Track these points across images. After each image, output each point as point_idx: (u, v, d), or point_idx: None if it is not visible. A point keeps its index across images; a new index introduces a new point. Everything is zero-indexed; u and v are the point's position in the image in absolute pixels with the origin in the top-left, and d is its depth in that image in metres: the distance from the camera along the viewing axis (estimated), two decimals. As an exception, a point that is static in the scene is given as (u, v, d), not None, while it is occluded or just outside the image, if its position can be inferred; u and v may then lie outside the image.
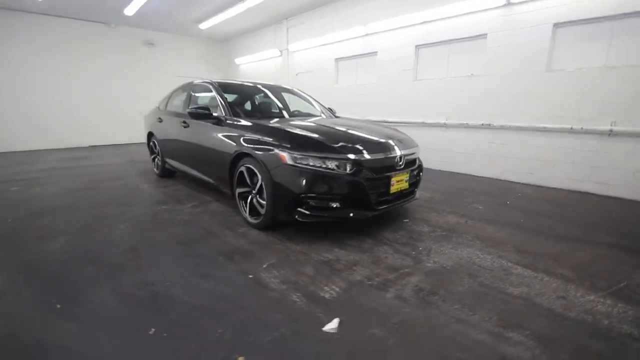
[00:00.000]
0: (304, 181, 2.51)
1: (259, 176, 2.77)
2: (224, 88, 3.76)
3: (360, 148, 2.66)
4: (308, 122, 3.34)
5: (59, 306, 1.84)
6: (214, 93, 3.73)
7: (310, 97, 4.62)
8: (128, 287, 2.03)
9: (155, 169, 5.21)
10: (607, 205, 3.85)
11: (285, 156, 2.56)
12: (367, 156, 2.62)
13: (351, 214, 2.60)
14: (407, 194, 3.04)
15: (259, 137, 2.86)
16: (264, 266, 2.31)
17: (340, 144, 2.65)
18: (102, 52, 8.96)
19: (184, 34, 10.11)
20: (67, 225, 3.05)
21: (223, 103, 3.52)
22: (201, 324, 1.69)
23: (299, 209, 2.58)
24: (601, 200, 4.05)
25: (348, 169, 2.55)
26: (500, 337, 1.64)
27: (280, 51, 8.92)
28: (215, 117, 3.41)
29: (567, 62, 4.36)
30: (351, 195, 2.56)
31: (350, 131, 3.02)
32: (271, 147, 2.68)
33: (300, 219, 2.59)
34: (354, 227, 2.99)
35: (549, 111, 4.55)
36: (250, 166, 2.85)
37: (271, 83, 4.55)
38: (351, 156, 2.57)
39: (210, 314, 1.78)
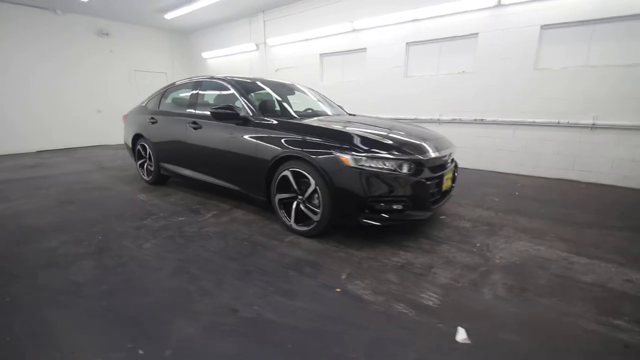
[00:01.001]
0: (371, 184, 2.40)
1: (312, 181, 2.59)
2: (242, 86, 3.45)
3: (420, 147, 2.63)
4: (345, 120, 3.19)
5: (141, 352, 1.53)
6: (232, 91, 3.40)
7: (319, 93, 4.47)
8: (209, 318, 1.76)
9: (144, 176, 4.64)
10: (597, 191, 4.31)
11: (348, 158, 2.42)
12: (428, 155, 2.59)
13: (414, 215, 2.56)
14: (448, 191, 3.08)
15: (306, 138, 2.68)
16: (343, 277, 2.17)
17: (401, 143, 2.59)
18: (46, 42, 7.72)
19: (143, 24, 9.14)
20: (76, 250, 2.57)
21: (248, 102, 3.22)
22: (327, 351, 1.52)
23: (363, 213, 2.46)
24: (587, 186, 4.52)
25: (410, 169, 2.50)
26: (609, 326, 1.72)
27: (257, 45, 8.51)
28: (242, 118, 3.11)
29: (553, 62, 4.77)
30: (414, 195, 2.51)
31: (395, 129, 2.96)
32: (328, 149, 2.51)
33: (366, 224, 2.48)
34: (398, 228, 2.95)
35: (537, 107, 4.95)
36: (299, 170, 2.65)
37: (275, 80, 4.28)
38: (415, 156, 2.51)
39: (328, 338, 1.61)
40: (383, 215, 2.49)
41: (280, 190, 2.87)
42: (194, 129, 3.59)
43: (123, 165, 6.09)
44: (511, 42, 5.00)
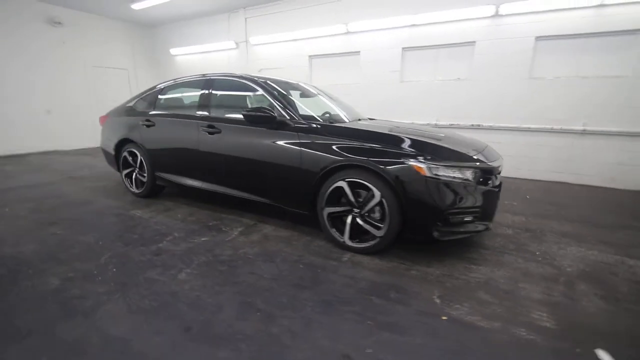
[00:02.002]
0: (448, 194, 2.21)
1: (376, 192, 2.33)
2: (270, 85, 3.06)
3: (487, 155, 2.51)
4: (389, 126, 2.97)
5: None
6: (260, 91, 3.00)
7: (329, 95, 4.20)
8: (321, 369, 1.42)
9: (131, 188, 3.96)
10: (594, 192, 4.61)
11: (423, 167, 2.21)
12: (496, 163, 2.48)
13: (480, 226, 2.42)
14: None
15: (364, 145, 2.41)
16: (437, 301, 1.94)
17: (471, 151, 2.44)
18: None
19: (102, 13, 8.07)
20: (91, 288, 2.01)
21: (283, 103, 2.86)
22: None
23: (437, 226, 2.27)
24: (581, 188, 4.84)
25: (483, 178, 2.37)
26: None
27: (237, 43, 7.97)
28: (279, 122, 2.74)
29: (546, 71, 5.06)
30: (484, 205, 2.38)
31: (448, 136, 2.81)
32: (398, 157, 2.28)
33: (440, 238, 2.29)
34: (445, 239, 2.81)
35: (532, 114, 5.21)
36: (360, 180, 2.38)
37: (284, 79, 3.88)
38: (488, 164, 2.38)
39: (476, 382, 1.38)
40: (456, 227, 2.32)
41: (330, 203, 2.57)
42: (210, 133, 3.11)
43: (94, 175, 5.22)
44: (507, 51, 5.21)
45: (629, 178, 4.71)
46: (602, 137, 4.80)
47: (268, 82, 3.10)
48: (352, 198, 2.46)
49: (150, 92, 3.89)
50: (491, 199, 2.42)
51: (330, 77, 7.07)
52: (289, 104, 2.86)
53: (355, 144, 2.45)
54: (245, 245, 2.66)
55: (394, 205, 2.30)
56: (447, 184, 2.22)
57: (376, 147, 2.38)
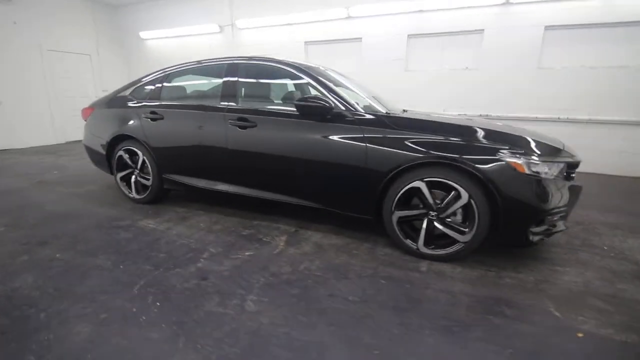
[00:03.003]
0: (547, 193, 2.00)
1: (463, 193, 2.05)
2: (314, 71, 2.64)
3: (570, 150, 2.33)
4: (445, 116, 2.70)
5: None
6: (306, 79, 2.57)
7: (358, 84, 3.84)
8: None
9: (130, 193, 3.34)
10: (603, 179, 4.74)
11: (522, 164, 1.96)
12: (578, 157, 2.31)
13: (565, 226, 2.25)
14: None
15: (449, 139, 2.12)
16: (557, 314, 1.72)
17: (560, 145, 2.24)
18: None
19: (56, -13, 6.91)
20: (145, 334, 1.54)
21: (335, 91, 2.46)
22: None
23: (534, 229, 2.05)
24: (588, 176, 4.95)
25: (573, 174, 2.19)
26: None
27: (221, 27, 7.25)
28: (335, 114, 2.35)
29: (555, 61, 5.09)
30: (570, 203, 2.20)
31: (514, 127, 2.60)
32: (491, 153, 2.01)
33: (536, 241, 2.08)
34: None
35: (540, 103, 5.24)
36: (443, 180, 2.08)
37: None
38: (577, 159, 2.20)
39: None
40: (548, 229, 2.13)
41: (401, 206, 2.25)
42: (241, 127, 2.64)
43: (69, 178, 4.42)
44: (516, 40, 5.16)
45: (633, 165, 4.91)
46: (605, 126, 4.94)
47: (310, 67, 2.68)
48: (430, 200, 2.16)
49: (150, 79, 3.27)
50: (575, 195, 2.25)
51: (328, 65, 6.63)
52: (341, 93, 2.48)
53: (435, 138, 2.15)
54: (302, 259, 2.27)
55: (484, 207, 2.04)
56: (546, 182, 2.00)
57: (461, 141, 2.10)
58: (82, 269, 2.11)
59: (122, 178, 3.37)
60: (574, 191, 2.22)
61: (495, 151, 2.01)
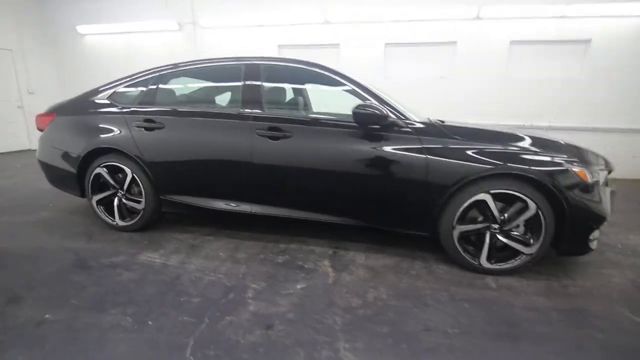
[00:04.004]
0: (607, 200, 2.05)
1: (531, 204, 2.00)
2: (350, 76, 2.40)
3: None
4: (481, 126, 2.67)
5: None
6: (350, 85, 2.33)
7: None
8: None
9: (112, 219, 2.69)
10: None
11: (586, 173, 1.99)
12: (612, 166, 2.43)
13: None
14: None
15: (509, 149, 2.07)
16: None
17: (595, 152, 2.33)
18: None
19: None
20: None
21: (382, 98, 2.25)
22: None
23: (592, 235, 2.08)
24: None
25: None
26: None
27: (180, 25, 6.53)
28: (389, 123, 2.14)
29: (519, 73, 5.58)
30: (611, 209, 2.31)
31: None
32: (557, 164, 2.00)
33: (593, 248, 2.11)
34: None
35: (508, 110, 5.68)
36: (512, 192, 2.01)
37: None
38: (611, 166, 2.31)
39: None
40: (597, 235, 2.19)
41: (463, 221, 2.13)
42: (272, 138, 2.28)
43: (9, 202, 3.48)
44: (486, 52, 5.55)
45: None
46: (565, 131, 5.56)
47: (345, 72, 2.44)
48: (496, 212, 2.08)
49: (136, 80, 2.69)
50: (613, 201, 2.37)
51: (304, 70, 6.42)
52: (390, 101, 2.29)
53: (496, 147, 2.08)
54: (365, 287, 2.00)
55: (550, 217, 2.02)
56: (601, 189, 2.06)
57: (524, 151, 2.07)
58: (93, 333, 1.56)
59: (99, 201, 2.71)
60: (613, 196, 2.34)
61: (560, 161, 2.01)
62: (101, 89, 2.78)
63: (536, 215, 2.03)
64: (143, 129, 2.49)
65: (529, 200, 2.01)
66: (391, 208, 2.25)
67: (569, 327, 1.68)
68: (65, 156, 2.71)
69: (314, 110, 3.09)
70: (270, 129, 2.28)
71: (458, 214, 2.11)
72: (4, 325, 1.59)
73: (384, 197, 2.23)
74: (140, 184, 2.57)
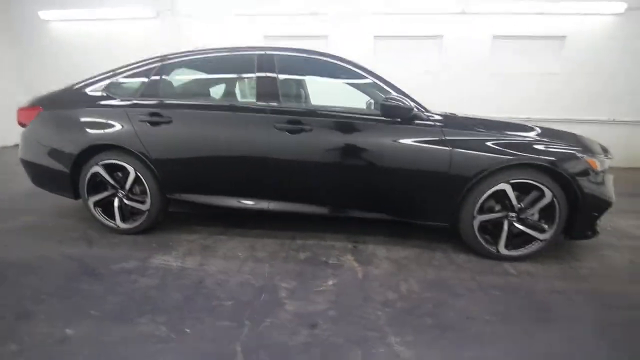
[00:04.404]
0: (609, 187, 2.19)
1: (547, 193, 2.09)
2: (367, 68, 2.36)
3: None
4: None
5: None
6: (369, 78, 2.31)
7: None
8: None
9: (112, 221, 2.48)
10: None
11: (597, 162, 2.10)
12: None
13: None
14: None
15: (527, 139, 2.16)
16: (653, 297, 1.90)
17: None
18: None
19: None
20: None
21: (401, 90, 2.25)
22: None
23: (597, 222, 2.22)
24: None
25: None
26: None
27: (158, 12, 6.13)
28: (412, 115, 2.14)
29: (502, 67, 5.80)
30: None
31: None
32: (572, 154, 2.10)
33: (599, 231, 2.25)
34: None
35: (491, 104, 5.91)
36: (530, 181, 2.09)
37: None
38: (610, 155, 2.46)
39: None
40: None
41: (483, 211, 2.20)
42: (291, 132, 2.20)
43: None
44: (471, 47, 5.72)
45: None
46: (544, 123, 5.88)
47: (364, 65, 2.40)
48: (515, 201, 2.16)
49: (135, 70, 2.49)
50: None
51: (291, 62, 6.29)
52: (409, 94, 2.28)
53: (513, 138, 2.15)
54: (395, 281, 2.01)
55: (564, 204, 2.13)
56: (607, 177, 2.20)
57: (539, 142, 2.15)
58: (129, 345, 1.43)
59: (97, 203, 2.50)
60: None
61: (573, 151, 2.12)
62: (93, 80, 2.54)
63: (551, 202, 2.13)
64: (148, 123, 2.31)
65: (545, 189, 2.11)
66: (414, 200, 2.27)
67: (593, 307, 1.79)
68: (55, 154, 2.46)
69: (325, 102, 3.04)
70: (290, 122, 2.21)
71: (479, 204, 2.17)
72: (20, 345, 1.42)
73: (408, 190, 2.24)
74: (145, 183, 2.39)
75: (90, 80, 2.55)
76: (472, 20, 5.62)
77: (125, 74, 2.48)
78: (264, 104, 2.27)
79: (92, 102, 2.45)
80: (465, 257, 2.32)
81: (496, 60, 5.79)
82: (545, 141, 2.16)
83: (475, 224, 2.21)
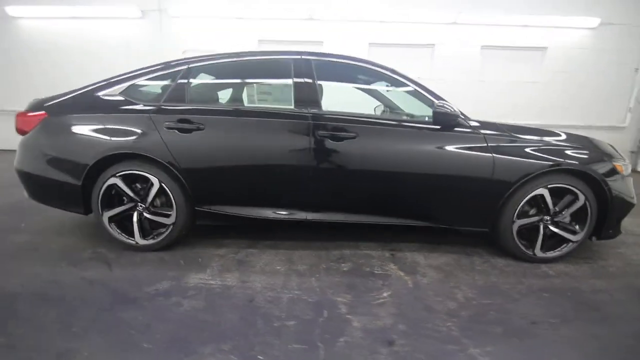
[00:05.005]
0: (634, 190, 2.33)
1: (581, 196, 2.18)
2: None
3: None
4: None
5: None
6: (411, 85, 2.29)
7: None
8: None
9: (130, 238, 2.26)
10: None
11: (623, 166, 2.23)
12: None
13: None
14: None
15: (561, 144, 2.25)
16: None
17: None
18: None
19: None
20: None
21: (447, 101, 2.25)
22: None
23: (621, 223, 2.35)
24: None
25: None
26: None
27: (144, 12, 5.80)
28: (457, 122, 2.16)
29: (490, 75, 6.09)
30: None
31: None
32: (601, 159, 2.21)
33: (620, 234, 2.39)
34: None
35: (478, 109, 6.16)
36: (566, 185, 2.17)
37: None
38: None
39: None
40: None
41: (524, 215, 2.25)
42: (335, 139, 2.13)
43: None
44: (461, 55, 5.96)
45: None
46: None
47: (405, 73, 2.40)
48: (551, 205, 2.23)
49: (158, 73, 2.30)
50: None
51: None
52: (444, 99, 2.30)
53: (549, 145, 2.23)
54: (447, 289, 1.99)
55: (594, 207, 2.24)
56: (629, 180, 2.34)
57: (571, 147, 2.25)
58: (199, 379, 1.28)
59: (112, 218, 2.26)
60: None
61: (602, 156, 2.24)
62: (107, 83, 2.31)
63: (583, 205, 2.22)
64: (176, 130, 2.13)
65: (579, 193, 2.20)
66: (458, 206, 2.28)
67: (638, 303, 1.88)
68: (64, 164, 2.20)
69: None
70: (334, 129, 2.13)
71: (519, 208, 2.21)
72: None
73: (452, 196, 2.24)
74: (171, 195, 2.20)
75: (103, 84, 2.32)
76: (462, 31, 5.86)
77: (146, 77, 2.28)
78: (304, 110, 2.18)
79: (109, 107, 2.23)
80: (504, 261, 2.36)
81: (484, 69, 6.07)
82: (578, 147, 2.26)
83: (515, 228, 2.26)
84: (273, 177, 2.22)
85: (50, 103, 2.30)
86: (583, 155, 2.22)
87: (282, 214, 2.29)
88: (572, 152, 2.22)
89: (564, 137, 2.38)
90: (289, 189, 2.25)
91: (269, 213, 2.29)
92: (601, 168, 2.19)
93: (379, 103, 3.04)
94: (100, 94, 2.28)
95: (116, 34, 5.93)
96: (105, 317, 1.64)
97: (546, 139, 2.29)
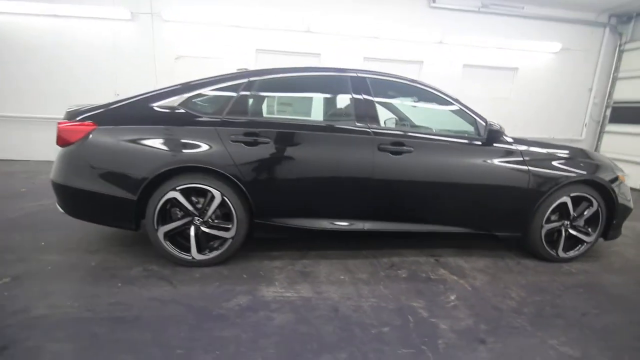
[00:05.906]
0: (631, 197, 2.76)
1: (595, 203, 2.55)
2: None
3: None
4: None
5: None
6: (457, 105, 2.60)
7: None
8: None
9: (187, 254, 2.19)
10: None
11: (624, 177, 2.64)
12: None
13: None
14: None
15: (575, 159, 2.60)
16: (678, 282, 2.44)
17: None
18: None
19: None
20: None
21: (485, 118, 2.50)
22: None
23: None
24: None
25: None
26: None
27: (133, 14, 5.51)
28: (500, 139, 2.43)
29: (471, 92, 6.65)
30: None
31: None
32: (609, 170, 2.60)
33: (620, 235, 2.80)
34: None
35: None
36: (582, 194, 2.52)
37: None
38: None
39: None
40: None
41: (549, 221, 2.56)
42: (394, 153, 2.27)
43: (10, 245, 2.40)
44: (445, 72, 6.45)
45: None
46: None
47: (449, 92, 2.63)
48: (572, 212, 2.57)
49: (222, 84, 2.28)
50: None
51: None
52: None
53: (567, 159, 2.57)
54: (500, 289, 2.21)
55: (605, 212, 2.62)
56: (627, 187, 2.77)
57: (584, 162, 2.61)
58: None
59: (167, 234, 2.17)
60: None
61: (608, 167, 2.63)
62: (159, 94, 2.23)
63: (597, 211, 2.60)
64: (242, 143, 2.13)
65: (594, 200, 2.57)
66: (498, 214, 2.53)
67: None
68: (117, 178, 2.08)
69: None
70: (394, 144, 2.28)
71: (547, 214, 2.52)
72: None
73: (495, 205, 2.49)
74: (232, 208, 2.18)
75: (155, 95, 2.23)
76: (447, 50, 6.36)
77: (206, 89, 2.25)
78: (365, 125, 2.30)
79: (170, 120, 2.15)
80: (532, 262, 2.65)
81: (465, 85, 6.63)
82: (591, 160, 2.63)
83: (543, 232, 2.56)
84: (336, 189, 2.30)
85: (94, 113, 2.16)
86: (595, 167, 2.60)
87: (342, 224, 2.37)
88: (589, 166, 2.58)
89: (568, 150, 2.73)
90: (350, 201, 2.34)
91: (326, 224, 2.36)
92: (612, 179, 2.58)
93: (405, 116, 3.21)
94: (153, 105, 2.20)
95: (101, 35, 5.55)
96: (202, 336, 1.60)
97: (561, 153, 2.63)
